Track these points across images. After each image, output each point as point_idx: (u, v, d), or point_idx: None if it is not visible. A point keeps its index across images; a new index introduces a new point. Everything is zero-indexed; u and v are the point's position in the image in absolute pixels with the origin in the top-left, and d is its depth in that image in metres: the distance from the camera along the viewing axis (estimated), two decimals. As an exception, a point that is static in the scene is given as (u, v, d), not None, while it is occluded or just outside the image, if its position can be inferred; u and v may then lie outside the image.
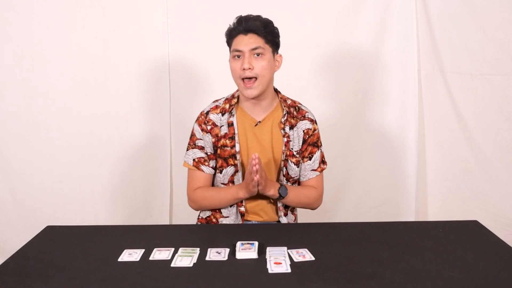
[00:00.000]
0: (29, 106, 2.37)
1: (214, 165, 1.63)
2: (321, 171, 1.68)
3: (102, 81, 2.39)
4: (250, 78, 1.50)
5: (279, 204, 1.63)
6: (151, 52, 2.40)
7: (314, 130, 1.65)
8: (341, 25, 2.46)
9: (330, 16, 2.45)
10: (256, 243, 1.28)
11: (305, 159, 1.65)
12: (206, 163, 1.62)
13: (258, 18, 1.53)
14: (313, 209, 1.69)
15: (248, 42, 1.50)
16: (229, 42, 1.57)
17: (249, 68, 1.49)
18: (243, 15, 1.54)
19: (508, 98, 2.49)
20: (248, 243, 1.28)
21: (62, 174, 2.43)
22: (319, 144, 1.67)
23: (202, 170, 1.61)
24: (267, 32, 1.52)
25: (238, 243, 1.28)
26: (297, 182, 1.68)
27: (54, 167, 2.42)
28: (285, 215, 1.65)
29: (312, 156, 1.66)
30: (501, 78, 2.47)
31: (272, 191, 1.53)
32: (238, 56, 1.52)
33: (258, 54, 1.50)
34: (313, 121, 1.66)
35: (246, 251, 1.24)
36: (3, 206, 2.43)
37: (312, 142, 1.65)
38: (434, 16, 2.46)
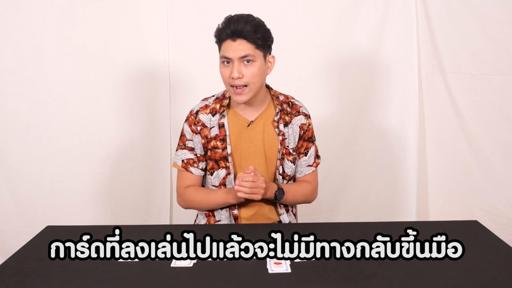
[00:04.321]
0: (29, 106, 2.37)
1: (204, 167, 1.61)
2: (316, 166, 1.68)
3: (102, 81, 2.39)
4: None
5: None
6: (151, 52, 2.40)
7: (309, 125, 1.63)
8: (341, 25, 2.46)
9: (330, 16, 2.45)
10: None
11: (301, 155, 1.65)
12: (195, 165, 1.59)
13: (248, 20, 1.43)
14: (309, 203, 1.71)
15: (237, 49, 1.42)
16: (218, 45, 1.51)
17: (239, 77, 1.43)
18: (233, 14, 1.47)
19: (508, 98, 2.49)
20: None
21: (62, 174, 2.43)
22: (314, 139, 1.67)
23: (191, 172, 1.59)
24: (257, 37, 1.43)
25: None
26: (293, 178, 1.67)
27: (54, 167, 2.42)
28: (287, 211, 1.65)
29: (308, 151, 1.65)
30: (501, 78, 2.47)
31: (269, 194, 1.52)
32: (228, 62, 1.46)
33: (248, 61, 1.44)
34: (307, 116, 1.63)
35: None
36: (3, 206, 2.43)
37: (307, 137, 1.64)
38: (434, 16, 2.46)
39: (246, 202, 1.58)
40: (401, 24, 2.47)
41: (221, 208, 1.60)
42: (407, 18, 2.46)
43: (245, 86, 1.45)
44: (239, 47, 1.43)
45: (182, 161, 1.59)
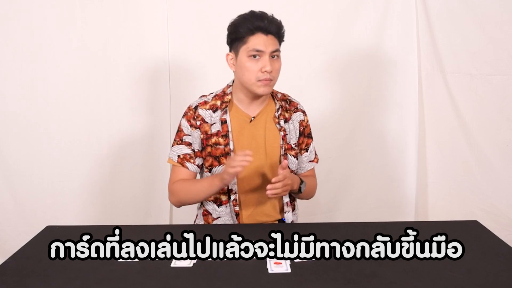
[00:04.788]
0: (29, 106, 2.37)
1: (200, 163, 1.60)
2: (317, 161, 1.73)
3: (102, 81, 2.39)
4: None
5: (286, 200, 1.62)
6: (151, 52, 2.40)
7: (307, 121, 1.68)
8: (341, 25, 2.46)
9: (331, 16, 2.45)
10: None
11: (302, 151, 1.68)
12: (192, 160, 1.57)
13: (273, 18, 1.51)
14: (310, 198, 1.73)
15: (269, 43, 1.47)
16: (239, 38, 1.49)
17: (271, 71, 1.47)
18: (257, 11, 1.50)
19: (508, 98, 2.49)
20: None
21: (62, 174, 2.42)
22: (311, 135, 1.72)
23: (187, 167, 1.57)
24: (280, 35, 1.52)
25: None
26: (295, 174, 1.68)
27: (54, 167, 2.42)
28: (293, 209, 1.66)
29: (308, 147, 1.70)
30: (501, 78, 2.47)
31: (295, 187, 1.54)
32: (255, 56, 1.48)
33: (274, 56, 1.49)
34: (304, 112, 1.68)
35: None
36: (3, 206, 2.43)
37: (307, 133, 1.68)
38: (434, 16, 2.46)
39: (247, 200, 1.59)
40: (401, 24, 2.47)
41: (219, 205, 1.59)
42: (407, 18, 2.46)
43: (271, 79, 1.49)
44: (271, 41, 1.49)
45: (178, 156, 1.58)
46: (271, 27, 1.48)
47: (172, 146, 1.61)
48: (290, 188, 1.50)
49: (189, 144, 1.58)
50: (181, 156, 1.58)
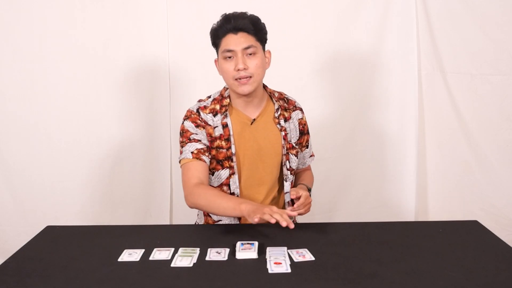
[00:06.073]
0: (29, 106, 2.37)
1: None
2: (314, 155, 1.79)
3: (102, 81, 2.39)
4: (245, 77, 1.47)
5: (287, 199, 1.62)
6: (151, 52, 2.40)
7: (305, 118, 1.70)
8: (341, 25, 2.46)
9: (330, 16, 2.45)
10: (256, 243, 1.28)
11: (303, 148, 1.72)
12: (206, 154, 1.52)
13: (246, 16, 1.49)
14: None
15: (239, 41, 1.46)
16: (216, 43, 1.52)
17: (244, 68, 1.45)
18: (227, 13, 1.50)
19: (508, 98, 2.49)
20: (248, 243, 1.28)
21: (62, 174, 2.42)
22: (309, 131, 1.74)
23: (203, 160, 1.50)
24: (257, 30, 1.49)
25: (238, 243, 1.28)
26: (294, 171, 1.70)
27: (54, 167, 2.42)
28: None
29: (308, 143, 1.73)
30: (501, 78, 2.48)
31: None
32: (230, 57, 1.47)
33: (250, 53, 1.47)
34: (302, 110, 1.69)
35: (246, 251, 1.24)
36: (3, 206, 2.43)
37: (306, 130, 1.71)
38: (434, 16, 2.46)
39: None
40: (401, 24, 2.47)
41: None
42: (407, 18, 2.46)
43: (250, 77, 1.48)
44: (241, 39, 1.47)
45: (192, 152, 1.51)
46: (240, 24, 1.46)
47: (182, 147, 1.54)
48: (310, 204, 1.51)
49: (198, 141, 1.53)
50: (195, 152, 1.51)
